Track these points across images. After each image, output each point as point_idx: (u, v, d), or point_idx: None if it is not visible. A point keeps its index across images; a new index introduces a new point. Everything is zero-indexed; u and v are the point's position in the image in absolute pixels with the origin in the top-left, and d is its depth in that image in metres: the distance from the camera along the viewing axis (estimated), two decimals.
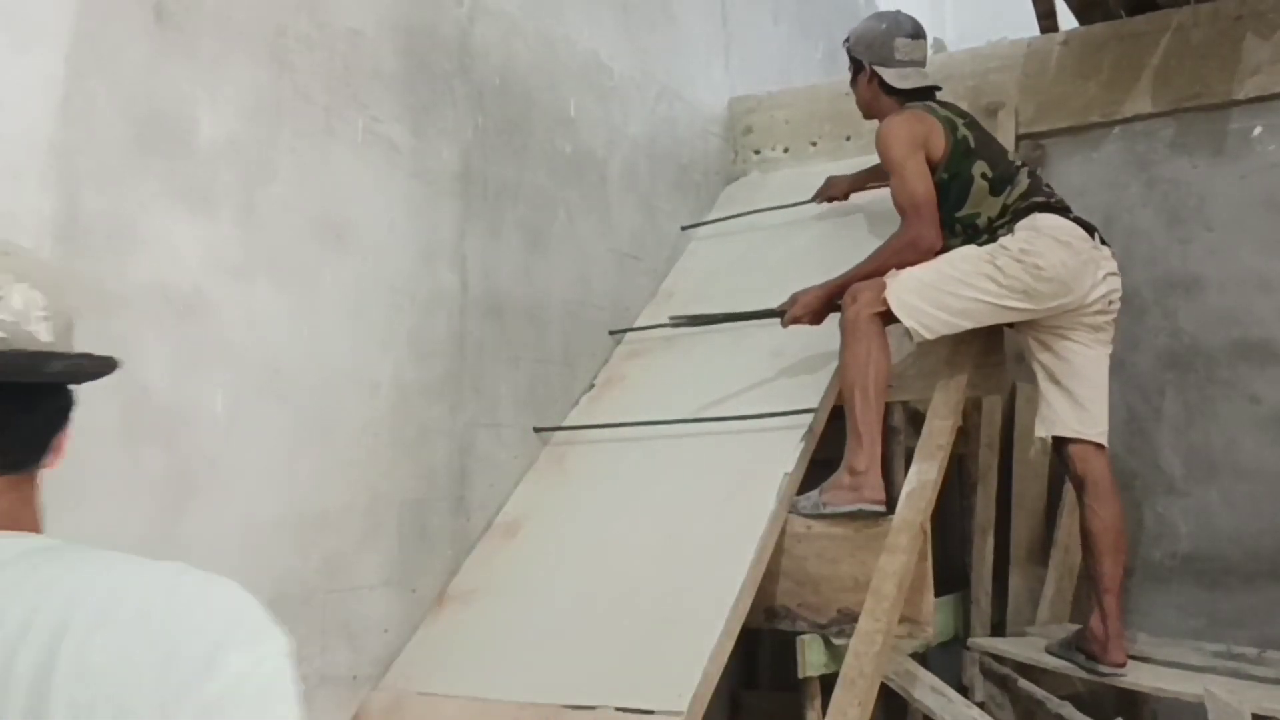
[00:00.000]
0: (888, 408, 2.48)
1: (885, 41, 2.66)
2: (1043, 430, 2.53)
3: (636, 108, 3.29)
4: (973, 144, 2.53)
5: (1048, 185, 2.56)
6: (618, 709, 1.88)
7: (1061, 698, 2.49)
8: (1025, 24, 3.41)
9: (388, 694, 2.17)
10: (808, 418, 2.44)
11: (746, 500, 2.30)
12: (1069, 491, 2.93)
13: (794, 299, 2.57)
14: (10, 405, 0.84)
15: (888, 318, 2.41)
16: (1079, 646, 2.46)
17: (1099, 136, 3.14)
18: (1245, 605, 2.78)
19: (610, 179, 3.12)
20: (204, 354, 1.91)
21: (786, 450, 2.38)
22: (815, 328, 2.63)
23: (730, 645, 2.01)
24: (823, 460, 2.44)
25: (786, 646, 2.31)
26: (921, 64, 2.70)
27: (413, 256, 2.39)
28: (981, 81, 3.25)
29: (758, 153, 3.82)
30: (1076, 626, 2.58)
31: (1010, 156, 2.61)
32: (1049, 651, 2.55)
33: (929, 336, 2.43)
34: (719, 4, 3.91)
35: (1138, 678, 2.38)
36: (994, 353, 2.71)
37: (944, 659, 2.86)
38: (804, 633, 2.27)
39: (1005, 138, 3.06)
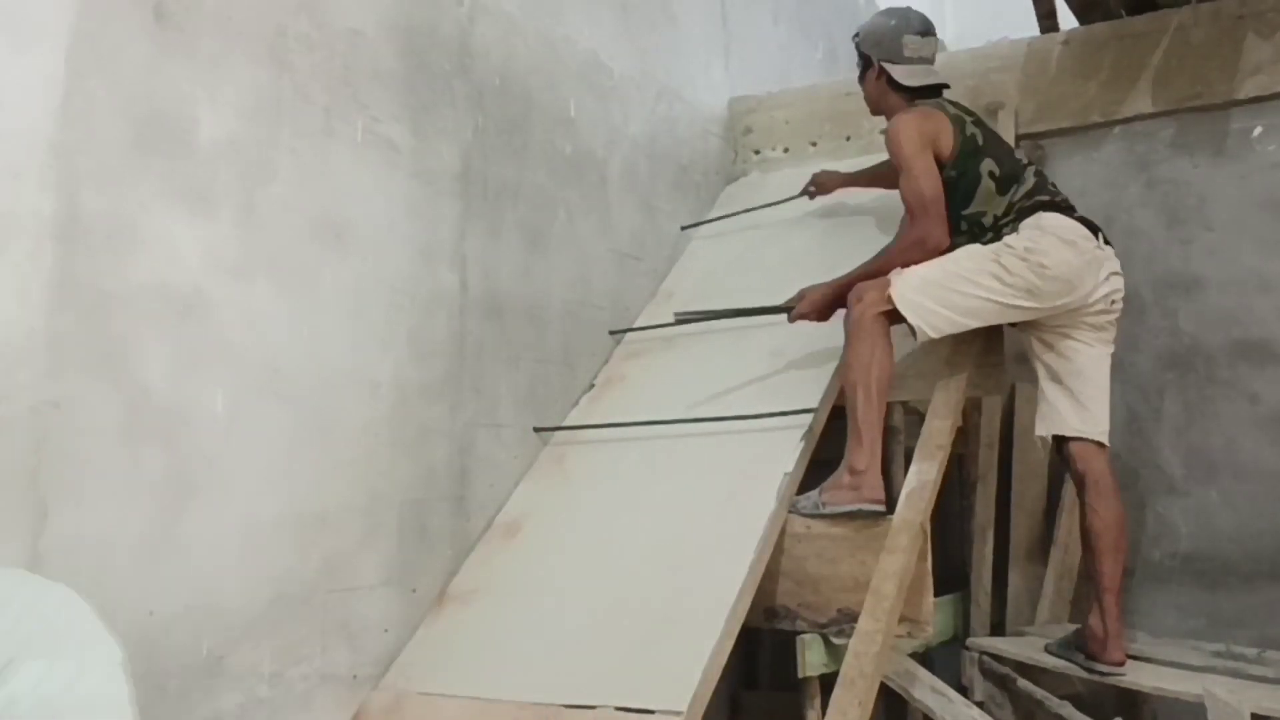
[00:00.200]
0: (888, 408, 2.48)
1: (894, 38, 2.65)
2: (1044, 429, 2.53)
3: (636, 108, 3.29)
4: (981, 142, 2.53)
5: (1053, 184, 2.56)
6: (618, 709, 1.88)
7: (1061, 697, 2.49)
8: (1025, 24, 3.42)
9: (388, 694, 2.17)
10: (808, 418, 2.44)
11: (746, 500, 2.30)
12: (1068, 491, 2.93)
13: (801, 295, 2.58)
14: None
15: (893, 318, 2.41)
16: (1078, 646, 2.46)
17: (1099, 136, 3.14)
18: (1245, 605, 2.78)
19: (610, 179, 3.13)
20: (204, 354, 1.91)
21: (786, 450, 2.38)
22: (818, 327, 2.63)
23: (730, 645, 2.01)
24: (823, 460, 2.44)
25: (786, 646, 2.31)
26: (930, 61, 2.69)
27: (413, 256, 2.39)
28: (981, 81, 3.25)
29: (758, 153, 3.82)
30: (1076, 626, 2.58)
31: (1017, 155, 2.61)
32: (1048, 651, 2.55)
33: (934, 335, 2.43)
34: (719, 4, 3.91)
35: (1137, 677, 2.38)
36: (994, 353, 2.71)
37: (943, 659, 2.86)
38: (804, 632, 2.27)
39: (1005, 138, 3.06)
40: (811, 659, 2.24)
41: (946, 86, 2.72)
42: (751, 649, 3.26)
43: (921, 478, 2.33)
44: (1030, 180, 2.51)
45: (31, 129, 1.67)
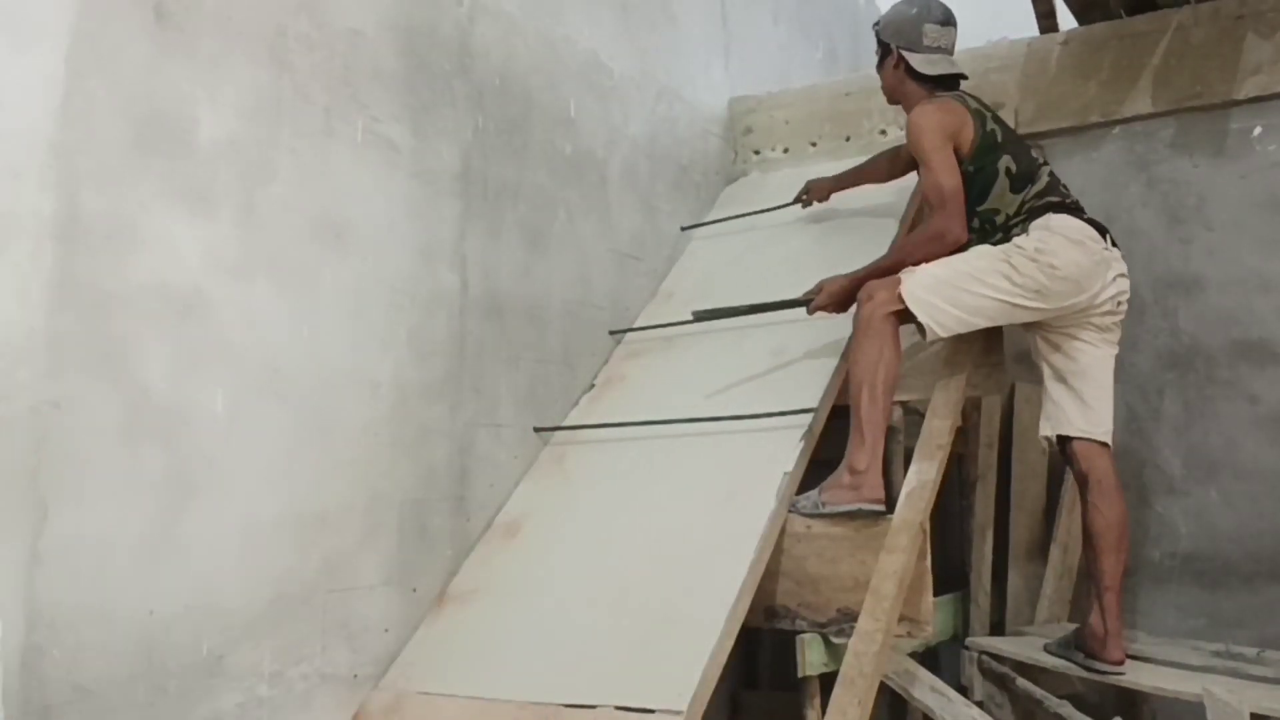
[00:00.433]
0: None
1: (914, 26, 2.64)
2: (1048, 429, 2.53)
3: (636, 108, 3.29)
4: (1000, 138, 2.53)
5: (1064, 185, 2.56)
6: (618, 708, 1.88)
7: (1060, 697, 2.49)
8: (1025, 24, 3.42)
9: (388, 694, 2.17)
10: (807, 417, 2.44)
11: (746, 500, 2.30)
12: (1068, 491, 2.93)
13: (819, 287, 2.58)
14: None
15: (903, 318, 2.41)
16: (1078, 645, 2.46)
17: (1099, 136, 3.14)
18: (1245, 605, 2.78)
19: (610, 179, 3.13)
20: (204, 354, 1.91)
21: (786, 450, 2.38)
22: (818, 326, 2.63)
23: (730, 645, 2.01)
24: (823, 460, 2.44)
25: (786, 646, 2.31)
26: (949, 51, 2.68)
27: (413, 256, 2.39)
28: (981, 81, 3.24)
29: (758, 153, 3.82)
30: (1075, 625, 2.58)
31: (1033, 153, 2.60)
32: (1047, 650, 2.55)
33: (943, 334, 2.43)
34: (719, 4, 3.91)
35: (1136, 677, 2.38)
36: (994, 353, 2.71)
37: (943, 658, 2.86)
38: (804, 632, 2.27)
39: None
40: (811, 659, 2.24)
41: (965, 77, 2.70)
42: (751, 649, 3.26)
43: (921, 478, 2.33)
44: (1043, 180, 2.51)
45: (31, 129, 1.67)
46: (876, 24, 2.76)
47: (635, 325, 3.12)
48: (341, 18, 2.25)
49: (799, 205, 3.27)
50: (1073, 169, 3.11)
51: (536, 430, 2.73)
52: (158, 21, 1.87)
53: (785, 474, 2.33)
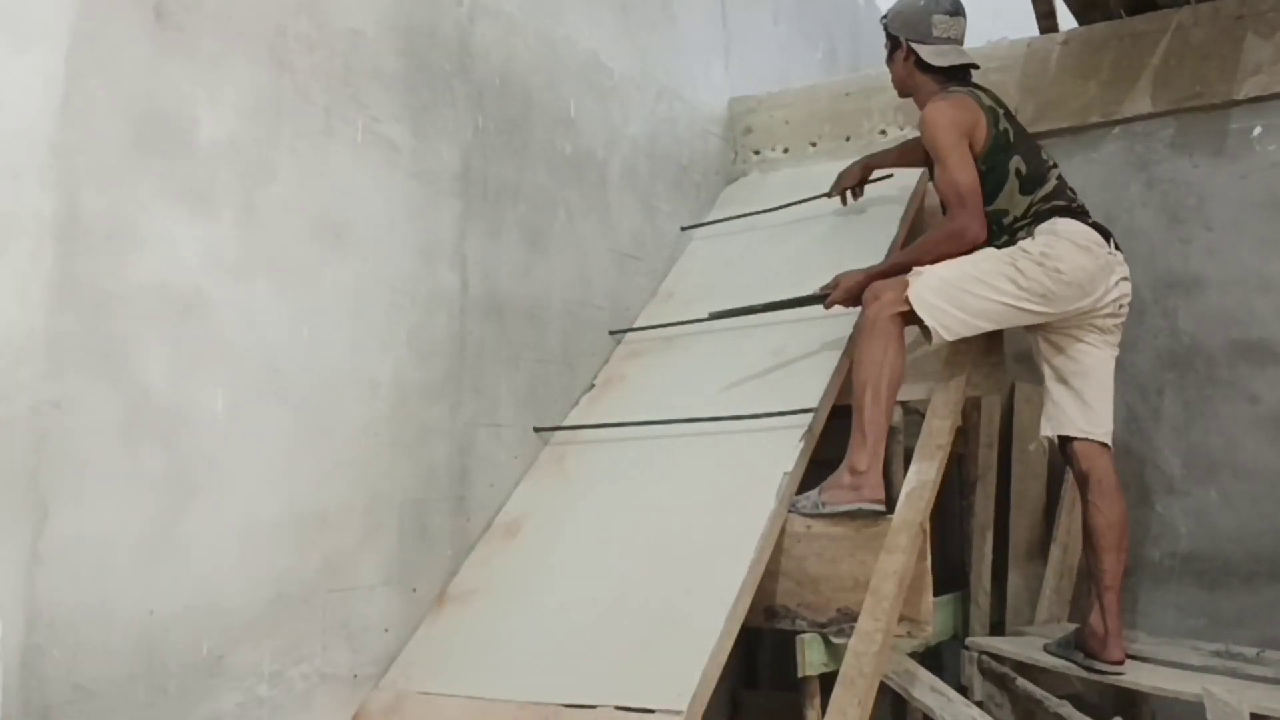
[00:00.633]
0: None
1: (923, 18, 2.62)
2: (1049, 430, 2.53)
3: (636, 108, 3.29)
4: (1012, 138, 2.51)
5: (1071, 189, 2.55)
6: (618, 708, 1.88)
7: (1060, 697, 2.49)
8: (1025, 24, 3.41)
9: (388, 693, 2.17)
10: (807, 417, 2.44)
11: (746, 500, 2.30)
12: (1068, 490, 2.93)
13: (835, 282, 2.57)
14: None
15: (908, 318, 2.41)
16: (1078, 645, 2.46)
17: (1099, 136, 3.14)
18: (1245, 605, 2.78)
19: (610, 179, 3.13)
20: (204, 354, 1.91)
21: (786, 450, 2.38)
22: (818, 326, 2.63)
23: (730, 645, 2.01)
24: (823, 460, 2.45)
25: (786, 646, 2.31)
26: (959, 41, 2.66)
27: (413, 256, 2.39)
28: (981, 81, 3.23)
29: (758, 153, 3.82)
30: (1075, 625, 2.58)
31: (1043, 155, 2.58)
32: (1047, 650, 2.55)
33: (948, 338, 2.42)
34: (719, 4, 3.91)
35: (1136, 677, 2.38)
36: (994, 353, 2.71)
37: (943, 658, 2.86)
38: (804, 632, 2.27)
39: None
40: (811, 659, 2.24)
41: (976, 67, 2.68)
42: (751, 649, 3.26)
43: (921, 478, 2.33)
44: (1052, 183, 2.50)
45: (31, 129, 1.67)
46: (884, 17, 2.73)
47: (635, 325, 3.12)
48: (341, 18, 2.25)
49: (802, 201, 3.26)
50: (1073, 169, 3.10)
51: (536, 430, 2.73)
52: (158, 21, 1.87)
53: (785, 474, 2.33)
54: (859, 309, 2.54)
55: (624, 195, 3.19)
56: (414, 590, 2.32)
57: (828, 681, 2.08)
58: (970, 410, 2.92)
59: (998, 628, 2.89)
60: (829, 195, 3.17)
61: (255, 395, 2.00)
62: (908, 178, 3.18)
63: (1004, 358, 2.77)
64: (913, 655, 2.51)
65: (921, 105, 2.62)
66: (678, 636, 2.01)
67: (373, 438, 2.24)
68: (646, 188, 3.31)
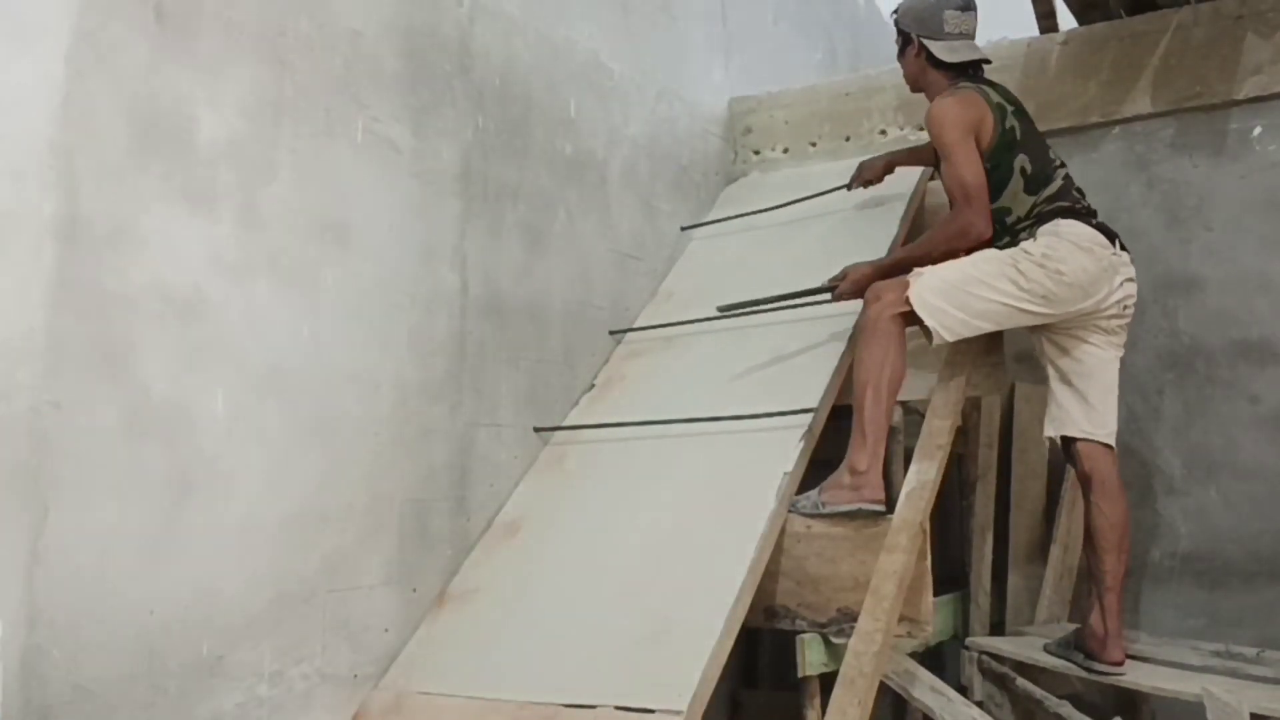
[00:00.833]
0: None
1: (934, 14, 2.60)
2: (1052, 430, 2.53)
3: (636, 108, 3.29)
4: (1018, 136, 2.50)
5: (1078, 189, 2.53)
6: (618, 708, 1.88)
7: (1060, 697, 2.49)
8: (1025, 24, 3.41)
9: (388, 693, 2.17)
10: (807, 417, 2.44)
11: (746, 500, 2.30)
12: (1068, 491, 2.93)
13: (844, 274, 2.58)
14: None
15: (909, 319, 2.41)
16: (1078, 645, 2.46)
17: (1099, 136, 3.14)
18: (1245, 605, 2.78)
19: (610, 179, 3.13)
20: (204, 354, 1.91)
21: (786, 450, 2.38)
22: (818, 325, 2.62)
23: (730, 645, 2.01)
24: (823, 460, 2.44)
25: (786, 646, 2.31)
26: (971, 37, 2.64)
27: (413, 256, 2.39)
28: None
29: (757, 153, 3.82)
30: (1075, 625, 2.58)
31: (1050, 155, 2.56)
32: (1047, 650, 2.55)
33: (949, 338, 2.42)
34: (719, 4, 3.91)
35: (1136, 677, 2.38)
36: (994, 353, 2.71)
37: (943, 658, 2.86)
38: (804, 632, 2.27)
39: None
40: (811, 659, 2.24)
41: (988, 62, 2.67)
42: (751, 649, 3.26)
43: (921, 478, 2.33)
44: (1057, 183, 2.49)
45: (32, 129, 1.67)
46: (895, 12, 2.71)
47: (635, 325, 3.12)
48: (342, 18, 2.25)
49: (803, 202, 3.26)
50: (1073, 169, 3.08)
51: (536, 430, 2.73)
52: (158, 21, 1.88)
53: (785, 474, 2.33)
54: (863, 302, 2.54)
55: (624, 195, 3.19)
56: (414, 590, 2.32)
57: (828, 681, 2.08)
58: (970, 410, 2.92)
59: (998, 628, 2.89)
60: (848, 188, 3.15)
61: (255, 395, 2.00)
62: (908, 177, 3.18)
63: (1004, 358, 2.77)
64: (913, 655, 2.51)
65: (932, 101, 2.61)
66: (678, 636, 2.01)
67: (373, 438, 2.24)
68: (646, 188, 3.31)
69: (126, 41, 1.82)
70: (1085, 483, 2.48)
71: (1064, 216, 2.43)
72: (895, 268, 2.51)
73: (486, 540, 2.51)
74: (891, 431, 2.44)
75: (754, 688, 3.26)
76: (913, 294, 2.39)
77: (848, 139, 3.62)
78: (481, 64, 2.65)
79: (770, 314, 2.78)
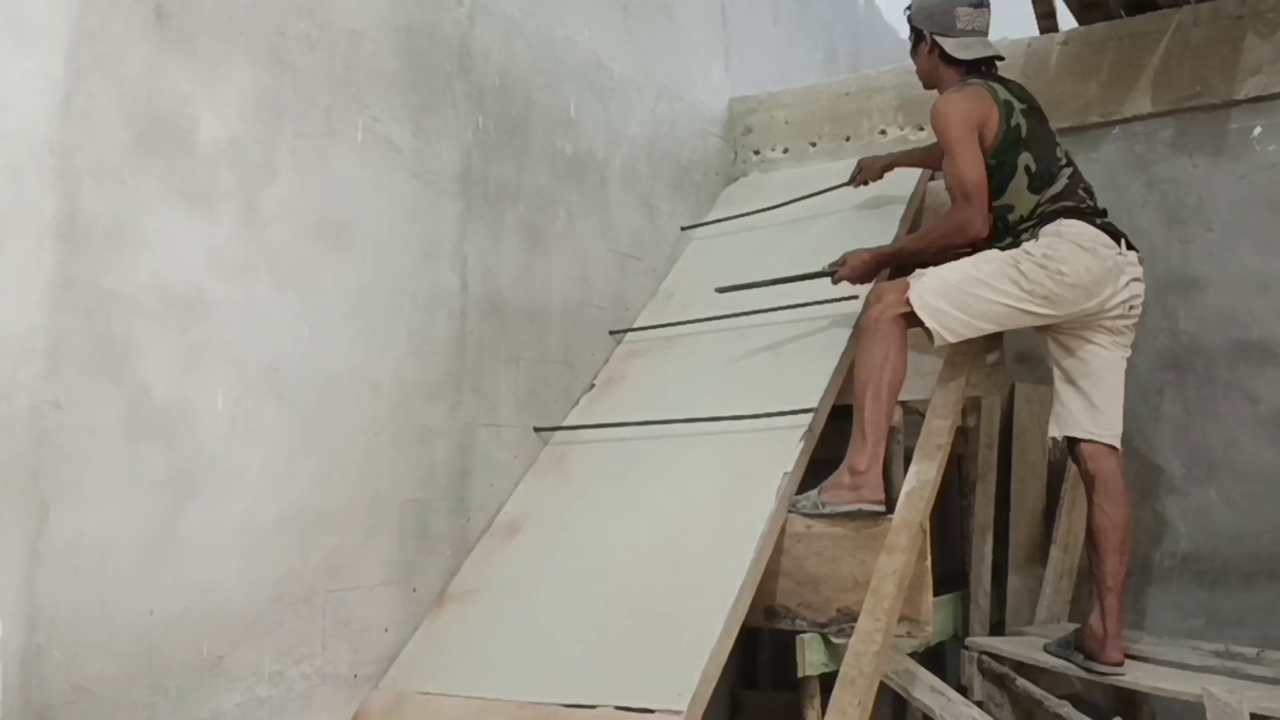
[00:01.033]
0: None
1: (946, 10, 2.60)
2: (1056, 430, 2.53)
3: (636, 108, 3.29)
4: (1024, 134, 2.49)
5: (1084, 188, 2.51)
6: (618, 708, 1.88)
7: (1060, 697, 2.49)
8: (1025, 24, 3.41)
9: (388, 693, 2.17)
10: (807, 417, 2.44)
11: (746, 500, 2.30)
12: (1068, 491, 2.93)
13: (844, 260, 2.60)
14: None
15: (910, 321, 2.41)
16: (1077, 645, 2.46)
17: (1099, 136, 3.14)
18: (1245, 605, 2.78)
19: (610, 179, 3.13)
20: (204, 354, 1.91)
21: (786, 450, 2.38)
22: (818, 325, 2.63)
23: (730, 645, 2.01)
24: (823, 460, 2.44)
25: (786, 646, 2.31)
26: (984, 33, 2.63)
27: (413, 256, 2.39)
28: None
29: (757, 153, 3.82)
30: (1075, 625, 2.58)
31: (1058, 154, 2.54)
32: (1047, 650, 2.55)
33: (951, 339, 2.42)
34: (719, 4, 3.91)
35: (1136, 677, 2.38)
36: (994, 352, 2.71)
37: (943, 658, 2.86)
38: (804, 632, 2.27)
39: None
40: (811, 658, 2.24)
41: (1001, 59, 2.67)
42: (751, 649, 3.26)
43: (921, 478, 2.33)
44: (1061, 183, 2.47)
45: (32, 129, 1.67)
46: (908, 9, 2.71)
47: (635, 325, 3.12)
48: (342, 18, 2.25)
49: (802, 201, 3.26)
50: None
51: (536, 430, 2.73)
52: (158, 21, 1.88)
53: (785, 474, 2.33)
54: (862, 307, 2.55)
55: (624, 195, 3.19)
56: (414, 590, 2.32)
57: (828, 681, 2.08)
58: (970, 410, 2.92)
59: (998, 628, 2.89)
60: (850, 183, 3.17)
61: (256, 395, 2.00)
62: (908, 179, 3.18)
63: (1004, 358, 2.77)
64: (913, 655, 2.51)
65: None
66: (678, 636, 2.01)
67: (373, 437, 2.24)
68: (646, 188, 3.31)
69: (126, 41, 1.82)
70: (1089, 483, 2.48)
71: (1067, 216, 2.42)
72: (895, 257, 2.56)
73: (486, 540, 2.51)
74: (892, 431, 2.44)
75: (754, 688, 3.26)
76: (913, 295, 2.39)
77: (848, 139, 3.62)
78: (481, 64, 2.65)
79: (770, 314, 2.78)
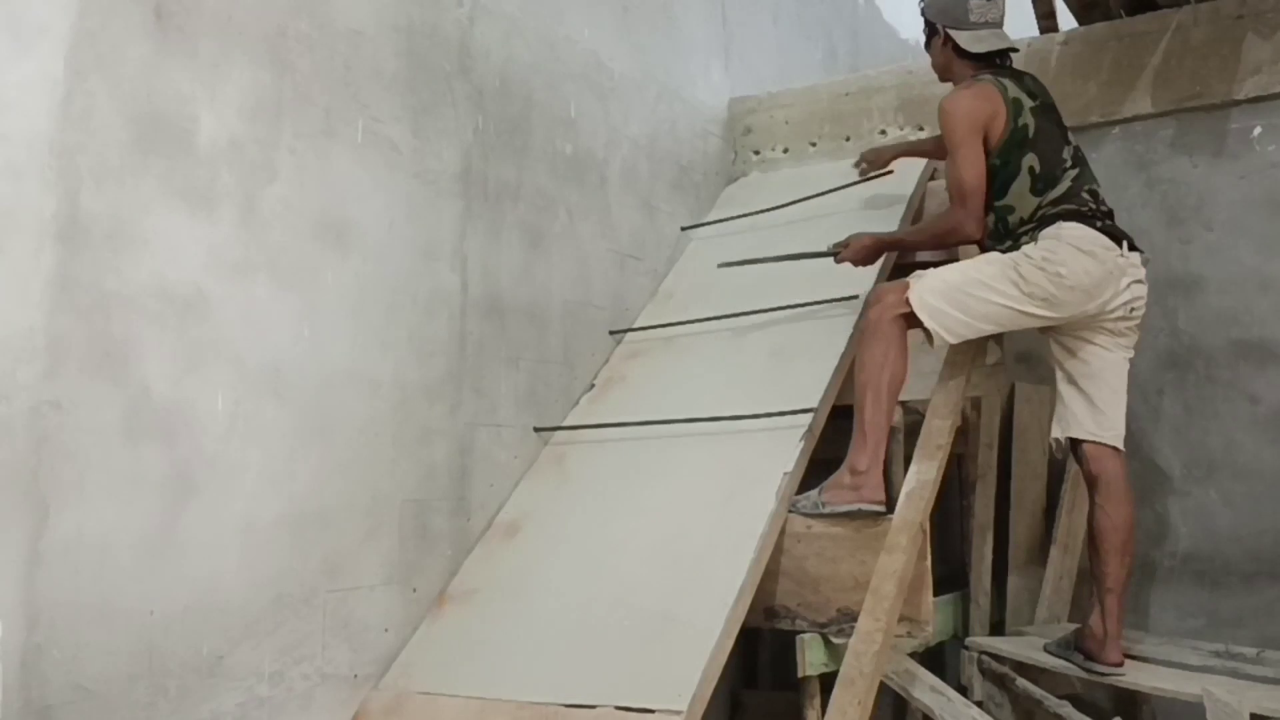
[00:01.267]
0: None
1: (960, 3, 2.59)
2: (1059, 431, 2.53)
3: (636, 108, 3.29)
4: (1030, 134, 2.47)
5: (1088, 190, 2.49)
6: (618, 708, 1.88)
7: (1060, 697, 2.49)
8: (1025, 24, 3.41)
9: (388, 693, 2.17)
10: (807, 417, 2.44)
11: (746, 500, 2.30)
12: (1068, 491, 2.93)
13: (847, 242, 2.66)
14: None
15: (910, 321, 2.41)
16: (1077, 645, 2.46)
17: (1099, 136, 3.14)
18: (1245, 605, 2.78)
19: (610, 179, 3.13)
20: (204, 354, 1.91)
21: (786, 450, 2.38)
22: (818, 325, 2.63)
23: (730, 645, 2.01)
24: (823, 460, 2.45)
25: (786, 646, 2.31)
26: (998, 25, 2.62)
27: (413, 256, 2.39)
28: None
29: (757, 153, 3.82)
30: (1075, 626, 2.58)
31: (1064, 154, 2.52)
32: (1047, 650, 2.55)
33: (951, 340, 2.42)
34: (719, 4, 3.91)
35: (1136, 677, 2.38)
36: (994, 352, 2.71)
37: (943, 658, 2.86)
38: (804, 632, 2.28)
39: None
40: (811, 658, 2.24)
41: (1015, 50, 2.66)
42: (751, 649, 3.26)
43: (921, 478, 2.33)
44: (1064, 185, 2.46)
45: (32, 129, 1.67)
46: (921, 2, 2.70)
47: (635, 325, 3.12)
48: (342, 18, 2.25)
49: (802, 201, 3.26)
50: None
51: (536, 430, 2.73)
52: (158, 21, 1.88)
53: (785, 474, 2.33)
54: (862, 307, 2.55)
55: (624, 195, 3.19)
56: (414, 590, 2.32)
57: (828, 681, 2.08)
58: (970, 410, 2.92)
59: (998, 628, 2.89)
60: (856, 166, 3.28)
61: (256, 395, 2.00)
62: (908, 179, 3.18)
63: (1004, 357, 2.76)
64: (913, 655, 2.51)
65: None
66: (678, 636, 2.01)
67: (373, 437, 2.24)
68: (646, 188, 3.31)
69: (126, 41, 1.82)
70: (1091, 484, 2.48)
71: (1067, 219, 2.42)
72: (896, 244, 2.68)
73: (486, 540, 2.51)
74: (892, 431, 2.44)
75: (754, 688, 3.26)
76: (913, 295, 2.39)
77: (848, 139, 3.62)
78: (481, 64, 2.65)
79: (770, 314, 2.78)
